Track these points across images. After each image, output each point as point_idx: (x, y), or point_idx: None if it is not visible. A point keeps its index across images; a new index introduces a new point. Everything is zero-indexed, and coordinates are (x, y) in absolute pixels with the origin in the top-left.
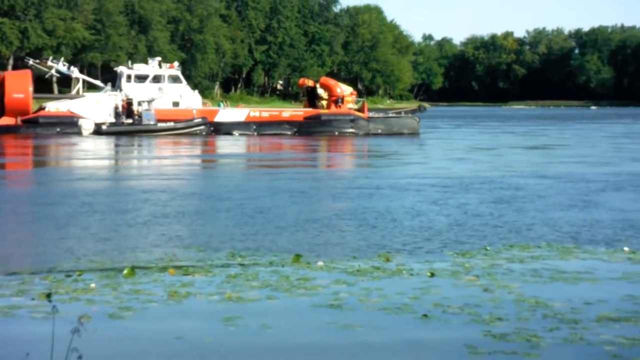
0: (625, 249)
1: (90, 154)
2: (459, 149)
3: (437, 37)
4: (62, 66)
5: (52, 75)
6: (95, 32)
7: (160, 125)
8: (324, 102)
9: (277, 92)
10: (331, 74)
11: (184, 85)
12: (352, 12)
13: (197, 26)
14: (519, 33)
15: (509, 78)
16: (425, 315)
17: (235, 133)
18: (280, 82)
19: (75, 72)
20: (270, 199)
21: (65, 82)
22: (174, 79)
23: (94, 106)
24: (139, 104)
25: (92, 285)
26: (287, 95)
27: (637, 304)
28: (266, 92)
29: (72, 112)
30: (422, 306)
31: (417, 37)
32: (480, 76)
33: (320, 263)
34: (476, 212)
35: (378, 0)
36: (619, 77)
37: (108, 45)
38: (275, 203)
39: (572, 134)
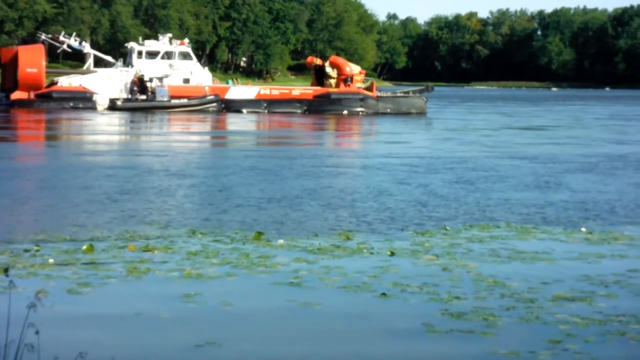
0: (583, 229)
1: (99, 129)
2: (453, 129)
3: (402, 16)
4: (73, 41)
5: (63, 50)
6: (58, 5)
7: (174, 101)
8: (332, 81)
9: (241, 69)
10: (295, 52)
11: (194, 62)
12: None
13: (161, 1)
14: (483, 14)
15: (471, 58)
16: (384, 294)
17: (244, 111)
18: (244, 59)
19: (86, 48)
20: (238, 177)
21: (70, 56)
22: (185, 56)
23: (105, 82)
24: (150, 80)
25: (51, 260)
26: (251, 73)
27: (592, 284)
28: (229, 69)
29: (84, 87)
30: (381, 285)
31: (381, 16)
32: (444, 56)
33: (280, 241)
34: (439, 192)
35: None
36: (579, 59)
37: (70, 18)
38: (242, 181)
39: (563, 115)
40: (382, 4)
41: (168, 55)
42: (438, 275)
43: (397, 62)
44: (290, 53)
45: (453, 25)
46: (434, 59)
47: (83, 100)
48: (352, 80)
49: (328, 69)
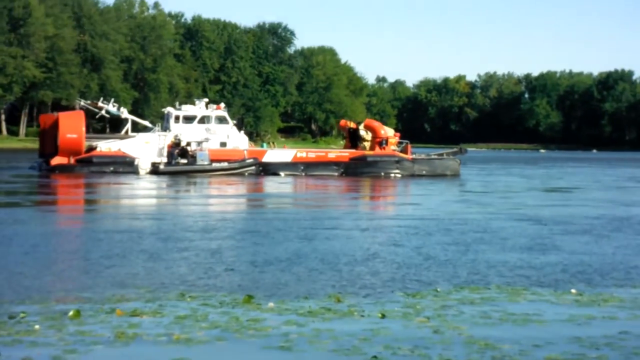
0: (573, 291)
1: (140, 193)
2: (475, 191)
3: (391, 79)
4: (112, 107)
5: (102, 116)
6: (47, 70)
7: (215, 165)
8: (366, 144)
9: (126, 130)
10: (285, 114)
11: (230, 126)
12: (307, 54)
13: (151, 65)
14: (471, 77)
15: (460, 120)
16: (375, 357)
17: (282, 174)
18: (234, 121)
19: (124, 113)
20: (232, 240)
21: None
22: (221, 120)
23: (144, 146)
24: (188, 144)
25: (37, 327)
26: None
27: (583, 346)
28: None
29: (123, 152)
30: (372, 347)
31: (370, 79)
32: (433, 118)
33: (271, 304)
34: (432, 254)
35: (332, 42)
36: (566, 122)
37: (59, 83)
38: (236, 244)
39: (581, 177)
40: (371, 67)
41: (205, 119)
42: (429, 338)
43: (386, 124)
44: (280, 115)
45: (442, 88)
46: (424, 121)
47: (123, 165)
48: (387, 143)
49: (362, 132)
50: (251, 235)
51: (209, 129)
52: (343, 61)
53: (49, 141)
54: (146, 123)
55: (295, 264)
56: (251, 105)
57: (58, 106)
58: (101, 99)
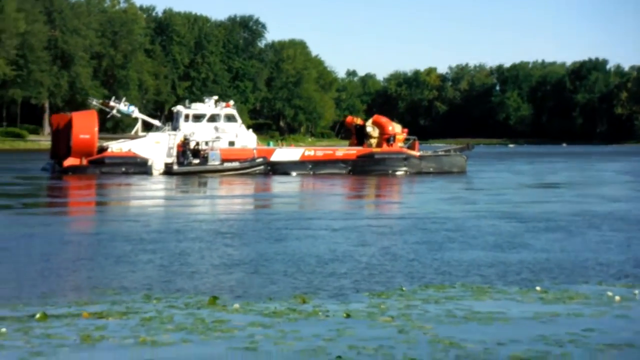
0: (537, 288)
1: (150, 194)
2: (468, 189)
3: (361, 72)
4: (123, 106)
5: (113, 115)
6: (17, 67)
7: (227, 165)
8: (373, 141)
9: (136, 129)
10: (254, 111)
11: (239, 125)
12: (277, 47)
13: (121, 62)
14: (442, 69)
15: (430, 115)
16: (339, 357)
17: (293, 173)
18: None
19: (135, 112)
20: (201, 242)
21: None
22: (229, 118)
23: (154, 146)
24: (197, 143)
25: (3, 329)
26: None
27: (547, 344)
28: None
29: (134, 153)
30: (337, 348)
31: (341, 73)
32: (402, 113)
33: (236, 305)
34: (400, 253)
35: (303, 35)
36: (537, 114)
37: (29, 81)
38: (204, 246)
39: (576, 172)
40: (341, 60)
41: (213, 118)
42: (394, 337)
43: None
44: (248, 112)
45: (412, 81)
46: (393, 116)
47: (134, 165)
48: (394, 140)
49: (369, 129)
50: (222, 237)
51: (217, 127)
52: (314, 54)
53: (62, 142)
54: (156, 122)
55: (262, 265)
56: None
57: (27, 105)
58: (113, 98)
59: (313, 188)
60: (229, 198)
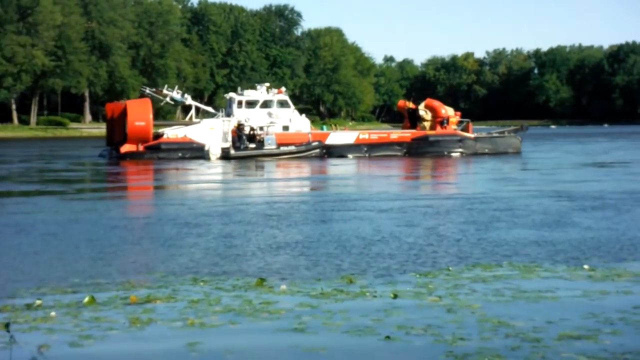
0: (585, 266)
1: (211, 179)
2: (519, 169)
3: (399, 58)
4: (176, 94)
5: (166, 103)
6: (56, 58)
7: (283, 149)
8: (426, 124)
9: (190, 116)
10: (293, 97)
11: (292, 110)
12: (314, 35)
13: (159, 51)
14: (479, 54)
15: (469, 98)
16: (388, 337)
17: (350, 156)
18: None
19: (188, 100)
20: (242, 224)
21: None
22: (282, 104)
23: (208, 132)
24: (252, 129)
25: (52, 313)
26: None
27: (597, 321)
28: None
29: (190, 138)
30: (385, 328)
31: (378, 59)
32: (442, 97)
33: (283, 287)
34: (446, 233)
35: (339, 23)
36: (577, 97)
37: (69, 71)
38: (247, 228)
39: (629, 152)
40: (378, 47)
41: (266, 104)
42: (442, 317)
43: (395, 104)
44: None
45: (450, 66)
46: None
47: (190, 151)
48: (448, 122)
49: (422, 112)
50: (269, 219)
51: (271, 113)
52: (350, 42)
53: (117, 129)
54: (209, 109)
55: (308, 246)
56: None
57: (68, 94)
58: (165, 86)
59: (368, 170)
60: (281, 181)
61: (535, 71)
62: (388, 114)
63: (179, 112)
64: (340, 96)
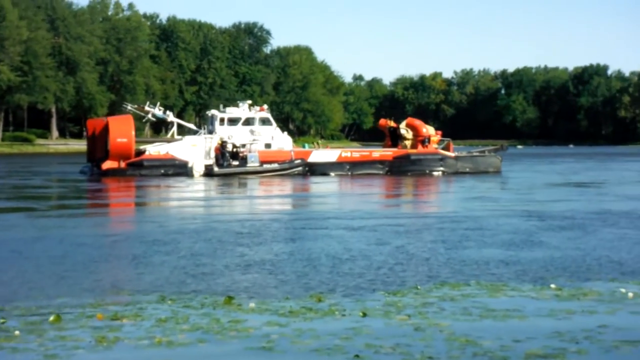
0: (552, 286)
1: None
2: (498, 189)
3: (368, 77)
4: (157, 111)
5: (148, 120)
6: (22, 73)
7: (266, 166)
8: (408, 142)
9: (172, 133)
10: None
11: (274, 128)
12: (283, 53)
13: (127, 67)
14: (447, 74)
15: (438, 118)
16: (357, 356)
17: (332, 174)
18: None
19: (170, 117)
20: (212, 242)
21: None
22: (264, 122)
23: (190, 149)
24: (234, 146)
25: (16, 332)
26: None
27: (563, 340)
28: (197, 133)
29: (172, 155)
30: (354, 347)
31: (347, 78)
32: (410, 116)
33: (251, 305)
34: (415, 252)
35: (308, 41)
36: (543, 117)
37: (35, 86)
38: (219, 246)
39: (601, 172)
40: (347, 65)
41: (249, 121)
42: (411, 335)
43: (364, 122)
44: None
45: (418, 85)
46: (401, 119)
47: (173, 167)
48: (429, 141)
49: (403, 131)
50: (240, 237)
51: (253, 130)
52: (319, 60)
53: (99, 145)
54: (191, 126)
55: (278, 264)
56: (228, 106)
57: (34, 110)
58: (147, 103)
59: (349, 188)
60: (259, 198)
61: (502, 92)
62: (357, 133)
63: (147, 129)
64: (310, 114)
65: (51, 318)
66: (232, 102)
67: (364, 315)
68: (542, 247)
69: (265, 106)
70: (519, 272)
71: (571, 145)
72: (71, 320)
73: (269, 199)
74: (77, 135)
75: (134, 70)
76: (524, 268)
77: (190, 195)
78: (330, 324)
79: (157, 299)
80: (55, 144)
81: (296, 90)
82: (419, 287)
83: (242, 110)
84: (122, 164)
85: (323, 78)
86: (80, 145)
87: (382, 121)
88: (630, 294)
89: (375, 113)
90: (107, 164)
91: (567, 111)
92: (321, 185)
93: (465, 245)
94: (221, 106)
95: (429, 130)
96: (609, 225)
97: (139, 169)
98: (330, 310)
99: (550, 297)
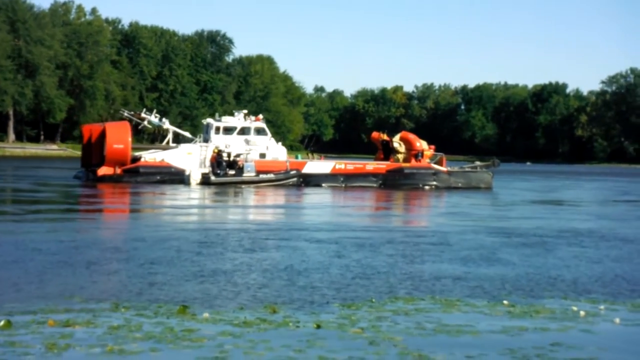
0: (505, 302)
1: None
2: (480, 204)
3: (329, 89)
4: (154, 118)
5: (144, 127)
6: None
7: (262, 176)
8: (400, 156)
9: (167, 140)
10: None
11: (269, 137)
12: (245, 62)
13: (87, 72)
14: (408, 87)
15: (397, 131)
16: None
17: (325, 185)
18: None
19: (166, 124)
20: (172, 251)
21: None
22: (259, 131)
23: (186, 157)
24: (229, 155)
25: None
26: (178, 143)
27: (515, 357)
28: (156, 140)
29: (167, 163)
30: (307, 358)
31: (309, 89)
32: (370, 129)
33: (206, 314)
34: (373, 265)
35: (270, 51)
36: (502, 134)
37: None
38: (178, 255)
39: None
40: (309, 76)
41: (244, 130)
42: (364, 349)
43: (324, 134)
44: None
45: (379, 98)
46: (361, 132)
47: (169, 175)
48: (422, 156)
49: (396, 144)
50: (201, 246)
51: (248, 140)
52: (281, 70)
53: (95, 151)
54: (186, 134)
55: (234, 274)
56: (188, 114)
57: None
58: (144, 110)
59: (337, 200)
60: (241, 207)
61: (462, 107)
62: (317, 144)
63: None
64: (270, 124)
65: (1, 323)
66: (192, 110)
67: (318, 327)
68: (499, 264)
69: (261, 116)
70: (473, 288)
71: (528, 163)
72: (22, 326)
73: (247, 208)
74: (34, 139)
75: (95, 75)
76: (479, 284)
77: (179, 203)
78: (284, 335)
79: (111, 306)
80: (12, 147)
81: (257, 100)
82: (373, 300)
83: (238, 119)
84: (118, 170)
85: (284, 88)
86: (37, 149)
87: (374, 134)
88: (582, 312)
89: (336, 125)
90: (103, 170)
91: (525, 128)
92: (310, 197)
93: (425, 259)
94: (216, 114)
95: (422, 144)
96: (571, 244)
97: (135, 175)
98: (285, 321)
99: (503, 314)
